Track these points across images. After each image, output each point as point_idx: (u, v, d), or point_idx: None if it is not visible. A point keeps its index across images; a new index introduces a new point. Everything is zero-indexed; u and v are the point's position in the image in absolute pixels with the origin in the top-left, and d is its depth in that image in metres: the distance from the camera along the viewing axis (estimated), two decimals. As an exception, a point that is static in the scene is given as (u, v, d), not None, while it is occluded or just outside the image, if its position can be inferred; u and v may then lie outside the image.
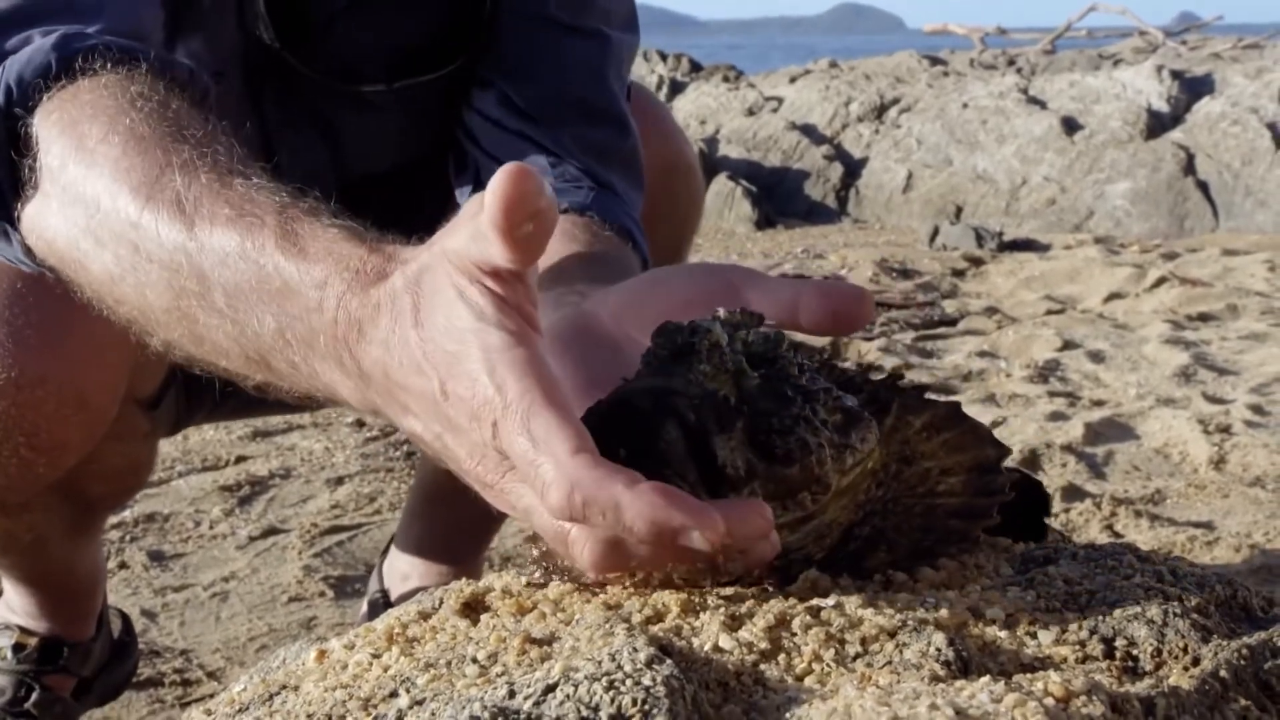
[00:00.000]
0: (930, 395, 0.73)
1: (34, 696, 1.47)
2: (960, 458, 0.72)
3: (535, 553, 0.73)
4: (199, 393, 1.40)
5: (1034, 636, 0.64)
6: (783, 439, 0.64)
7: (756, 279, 0.75)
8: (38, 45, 0.93)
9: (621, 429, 0.63)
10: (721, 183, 6.44)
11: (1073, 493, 2.42)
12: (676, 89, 8.71)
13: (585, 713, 0.53)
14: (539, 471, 0.59)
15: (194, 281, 0.78)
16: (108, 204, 0.83)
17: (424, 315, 0.64)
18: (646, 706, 0.53)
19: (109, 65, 0.91)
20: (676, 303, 0.75)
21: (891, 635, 0.62)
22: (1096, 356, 3.48)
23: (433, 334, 0.64)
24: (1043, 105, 6.92)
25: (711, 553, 0.60)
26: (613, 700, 0.54)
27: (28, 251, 0.93)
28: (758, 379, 0.65)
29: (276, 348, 0.74)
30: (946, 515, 0.72)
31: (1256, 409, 2.92)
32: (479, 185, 1.20)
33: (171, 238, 0.79)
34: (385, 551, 1.79)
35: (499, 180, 0.59)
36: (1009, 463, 0.75)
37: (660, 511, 0.57)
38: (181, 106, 0.89)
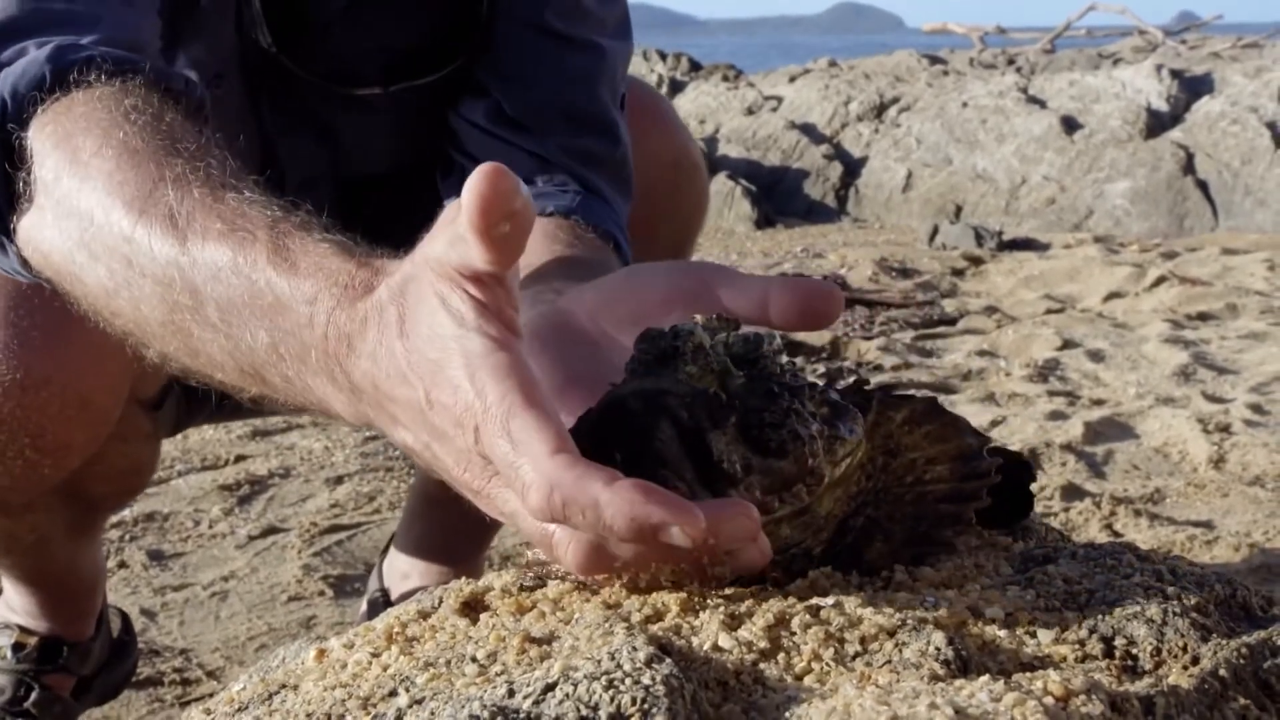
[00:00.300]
0: (901, 393, 0.74)
1: (33, 696, 1.47)
2: (944, 447, 0.73)
3: (530, 555, 0.74)
4: (199, 394, 1.40)
5: (1033, 635, 0.64)
6: (775, 432, 0.64)
7: (729, 276, 0.75)
8: (32, 57, 0.93)
9: (615, 432, 0.63)
10: (721, 182, 6.44)
11: (1072, 492, 2.42)
12: (676, 88, 8.71)
13: (585, 712, 0.53)
14: (519, 473, 0.58)
15: (187, 296, 0.78)
16: (101, 218, 0.83)
17: (409, 325, 0.65)
18: (646, 705, 0.53)
19: (103, 77, 0.91)
20: (652, 300, 0.75)
21: (891, 634, 0.62)
22: (1096, 356, 3.48)
23: (417, 343, 0.64)
24: (1042, 104, 6.92)
25: (695, 552, 0.59)
26: (612, 699, 0.54)
27: (24, 263, 0.94)
28: (743, 378, 0.66)
29: (270, 362, 0.74)
30: (937, 501, 0.73)
31: (1256, 408, 2.92)
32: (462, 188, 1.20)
33: (164, 253, 0.79)
34: (385, 551, 1.79)
35: (474, 181, 0.60)
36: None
37: (639, 508, 0.57)
38: (175, 119, 0.89)
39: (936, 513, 0.72)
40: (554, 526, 0.61)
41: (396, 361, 0.65)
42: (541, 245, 1.05)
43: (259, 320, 0.74)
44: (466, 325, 0.62)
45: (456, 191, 1.21)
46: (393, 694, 0.58)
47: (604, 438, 0.63)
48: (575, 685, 0.54)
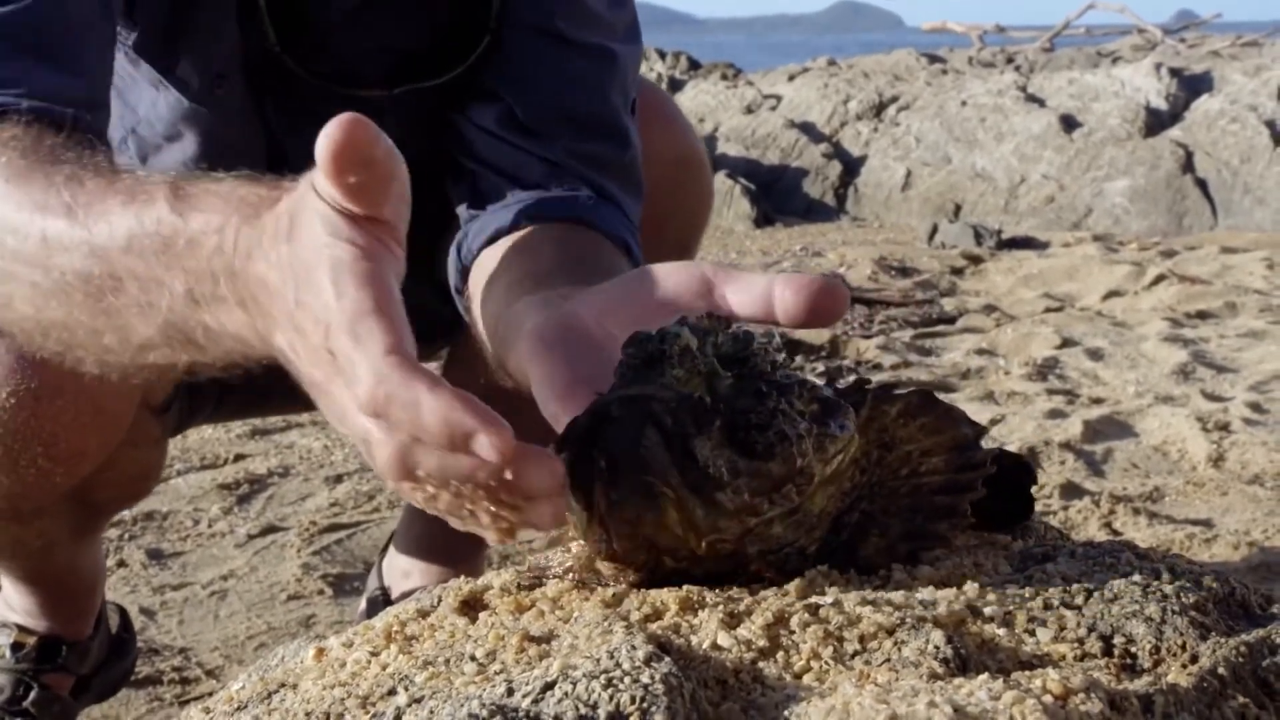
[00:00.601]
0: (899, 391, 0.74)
1: (32, 695, 1.47)
2: (939, 439, 0.73)
3: (530, 560, 0.74)
4: (200, 395, 1.40)
5: (1032, 634, 0.64)
6: (761, 434, 0.65)
7: (732, 275, 0.76)
8: None
9: (600, 439, 0.64)
10: (720, 180, 6.43)
11: (1071, 490, 2.42)
12: (675, 87, 8.71)
13: (584, 710, 0.53)
14: (354, 368, 0.62)
15: (108, 279, 0.81)
16: (10, 241, 0.86)
17: (295, 232, 0.69)
18: (645, 704, 0.53)
19: None
20: (655, 302, 0.76)
21: (890, 633, 0.62)
22: (1095, 354, 3.48)
23: (296, 248, 0.68)
24: (1041, 103, 6.91)
25: (493, 483, 0.62)
26: (611, 698, 0.54)
27: None
28: (731, 379, 0.66)
29: (190, 314, 0.77)
30: (932, 493, 0.73)
31: (1255, 406, 2.92)
32: (475, 193, 1.20)
33: (76, 246, 0.82)
34: (384, 549, 1.79)
35: (327, 130, 0.63)
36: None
37: (454, 413, 0.60)
38: (56, 141, 0.92)
39: (932, 505, 0.72)
40: (374, 425, 0.63)
41: (282, 264, 0.69)
42: (551, 250, 1.06)
43: (174, 272, 0.77)
44: (339, 236, 0.66)
45: (468, 198, 1.22)
46: (392, 693, 0.58)
47: (590, 445, 0.64)
48: (574, 684, 0.54)
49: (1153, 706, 0.56)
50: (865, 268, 4.67)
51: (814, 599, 0.66)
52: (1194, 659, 0.62)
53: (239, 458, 2.68)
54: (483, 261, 1.12)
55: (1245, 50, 8.22)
